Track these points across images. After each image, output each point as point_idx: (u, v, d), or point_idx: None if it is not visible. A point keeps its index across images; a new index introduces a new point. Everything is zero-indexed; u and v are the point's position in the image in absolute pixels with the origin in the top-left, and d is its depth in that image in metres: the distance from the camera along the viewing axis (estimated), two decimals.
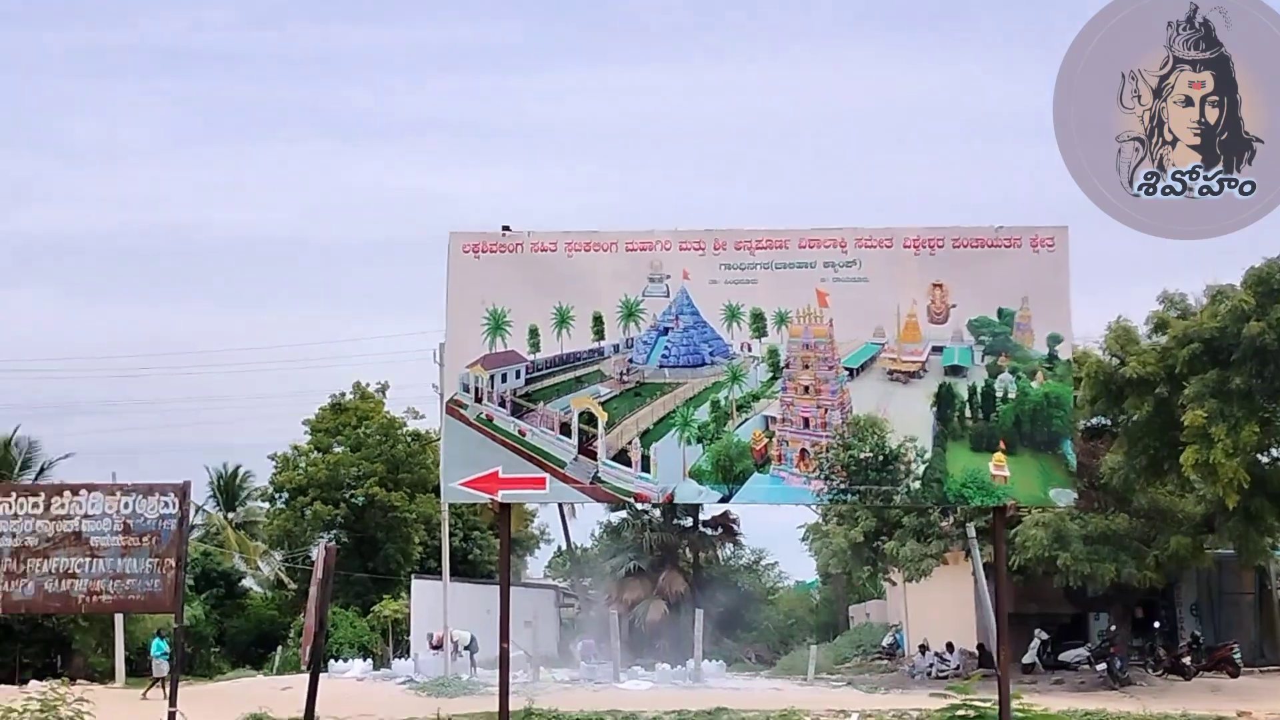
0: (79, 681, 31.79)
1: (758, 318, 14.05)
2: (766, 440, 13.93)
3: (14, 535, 14.79)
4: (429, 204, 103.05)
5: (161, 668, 34.31)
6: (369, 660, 42.72)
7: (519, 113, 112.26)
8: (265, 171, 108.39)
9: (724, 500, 14.32)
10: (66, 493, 15.01)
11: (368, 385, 56.09)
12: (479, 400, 14.21)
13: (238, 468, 58.95)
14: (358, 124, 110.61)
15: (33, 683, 32.07)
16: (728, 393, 14.01)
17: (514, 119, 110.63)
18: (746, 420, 13.97)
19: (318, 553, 14.48)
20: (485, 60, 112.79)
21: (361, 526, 52.87)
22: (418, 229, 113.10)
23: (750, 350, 14.07)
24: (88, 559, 14.79)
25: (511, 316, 14.19)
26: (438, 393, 37.71)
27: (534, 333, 14.19)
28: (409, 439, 54.84)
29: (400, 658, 43.20)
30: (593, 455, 14.02)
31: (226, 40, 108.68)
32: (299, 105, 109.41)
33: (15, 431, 52.32)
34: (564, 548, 59.99)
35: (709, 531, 52.75)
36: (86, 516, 14.85)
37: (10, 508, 14.83)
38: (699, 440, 13.92)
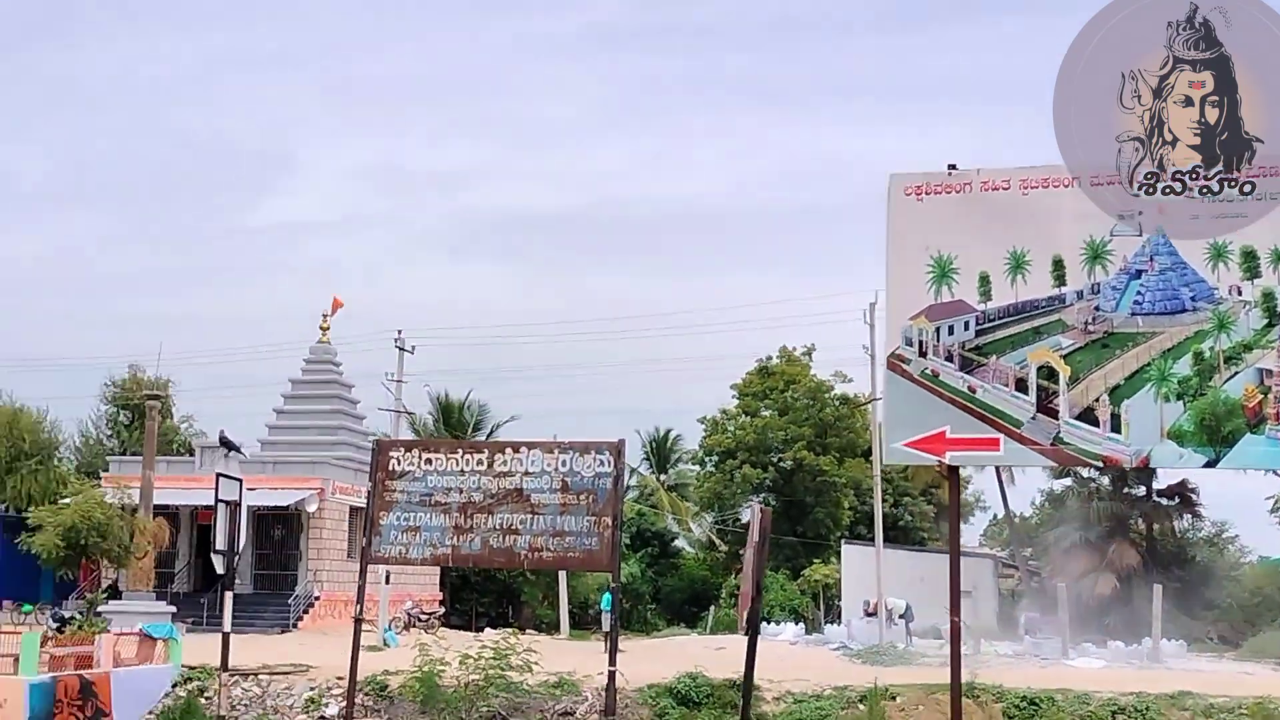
0: (528, 631, 33.32)
1: (1249, 256, 12.22)
2: (1261, 396, 12.12)
3: (461, 491, 15.13)
4: (858, 165, 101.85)
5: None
6: (800, 624, 42.46)
7: (946, 68, 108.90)
8: (697, 142, 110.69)
9: (1209, 465, 12.48)
10: (508, 450, 15.20)
11: (794, 349, 55.84)
12: (923, 354, 13.13)
13: (669, 431, 60.54)
14: (784, 90, 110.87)
15: (487, 630, 33.91)
16: (1213, 342, 12.28)
17: (941, 75, 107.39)
18: (1236, 374, 12.22)
19: (752, 514, 13.89)
20: (905, 17, 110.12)
21: (790, 490, 52.73)
22: (847, 191, 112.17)
23: (1240, 294, 12.28)
24: (529, 516, 14.92)
25: (959, 263, 13.00)
26: (867, 354, 36.69)
27: (984, 280, 12.94)
28: (837, 402, 54.12)
29: (831, 623, 42.67)
30: (1053, 414, 12.64)
31: (652, 17, 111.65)
32: (726, 75, 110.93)
33: (468, 395, 55.95)
34: (1001, 515, 57.57)
35: (1164, 501, 48.90)
36: (527, 474, 14.98)
37: (457, 463, 15.17)
38: (1179, 397, 12.28)
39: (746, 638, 13.76)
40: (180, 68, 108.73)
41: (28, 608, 38.39)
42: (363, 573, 15.99)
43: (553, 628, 44.84)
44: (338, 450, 42.90)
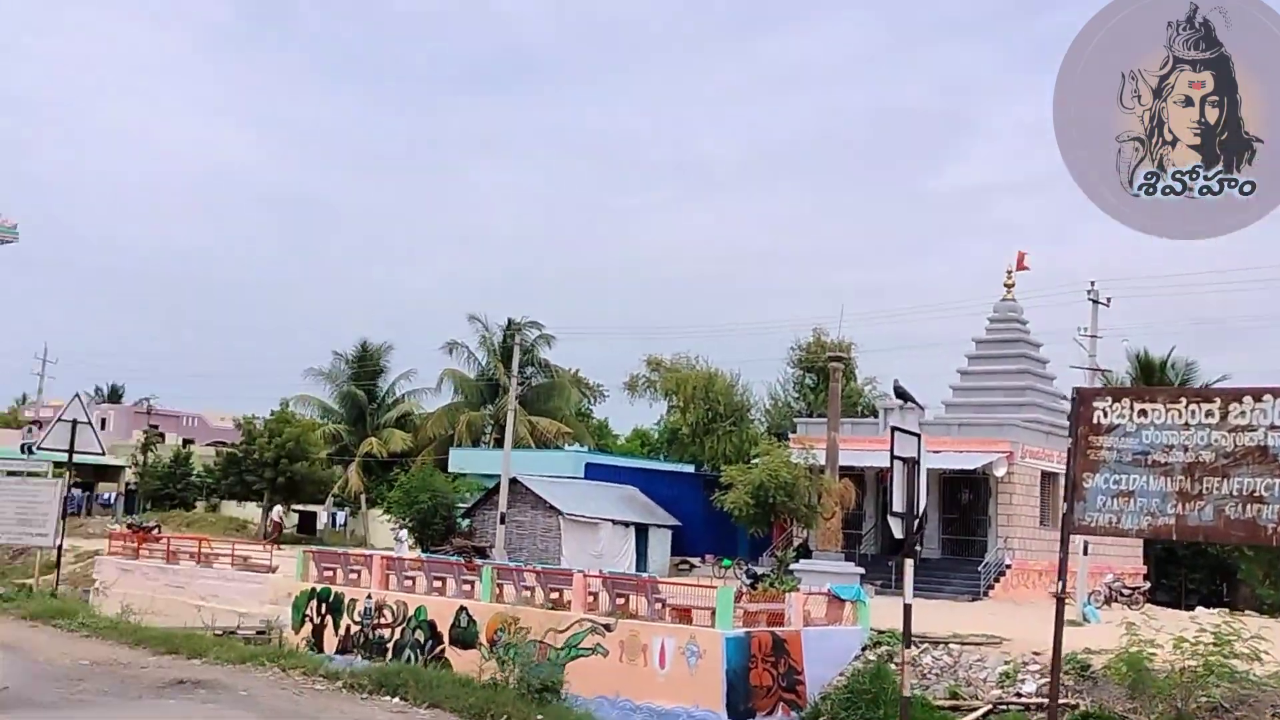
0: (1247, 613, 29.35)
1: None
2: None
3: (1186, 449, 12.50)
4: None
5: None
6: None
7: None
8: None
9: None
10: (1247, 399, 12.33)
11: None
12: None
13: None
14: None
15: (1199, 609, 30.34)
16: None
17: None
18: None
19: None
20: None
21: None
22: None
23: None
24: (1276, 480, 12.03)
25: None
26: None
27: None
28: None
29: None
30: None
31: None
32: None
33: (1170, 352, 51.78)
34: None
35: None
36: (1273, 428, 12.08)
37: (1180, 415, 12.58)
38: None
39: None
40: (857, 46, 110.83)
41: (727, 562, 40.08)
42: (1064, 543, 13.85)
43: (1275, 609, 39.77)
44: (1025, 412, 40.76)
